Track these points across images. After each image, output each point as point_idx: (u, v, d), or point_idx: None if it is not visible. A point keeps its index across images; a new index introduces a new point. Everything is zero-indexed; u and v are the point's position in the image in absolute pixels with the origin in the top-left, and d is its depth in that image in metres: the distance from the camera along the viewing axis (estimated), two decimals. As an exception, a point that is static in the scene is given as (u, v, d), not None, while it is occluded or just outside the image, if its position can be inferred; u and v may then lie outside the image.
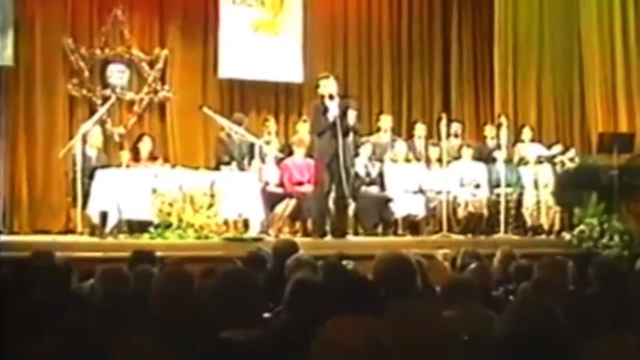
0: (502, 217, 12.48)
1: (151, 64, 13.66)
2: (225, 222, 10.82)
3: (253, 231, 10.89)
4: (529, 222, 12.83)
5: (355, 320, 2.90)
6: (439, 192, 12.54)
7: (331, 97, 10.94)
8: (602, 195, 12.36)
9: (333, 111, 10.86)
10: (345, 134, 10.85)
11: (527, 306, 3.68)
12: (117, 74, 13.46)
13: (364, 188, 12.40)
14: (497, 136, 13.27)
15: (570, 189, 12.75)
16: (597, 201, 12.23)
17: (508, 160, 13.01)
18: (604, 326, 3.72)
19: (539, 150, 13.34)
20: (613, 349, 3.11)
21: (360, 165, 12.39)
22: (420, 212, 12.64)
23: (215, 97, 13.95)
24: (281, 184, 12.03)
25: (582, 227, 11.89)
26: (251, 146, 11.88)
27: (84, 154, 11.24)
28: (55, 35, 13.07)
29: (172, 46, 13.82)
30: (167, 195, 10.50)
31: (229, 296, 3.85)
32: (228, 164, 11.83)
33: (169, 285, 4.45)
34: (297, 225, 12.21)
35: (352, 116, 11.35)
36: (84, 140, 11.44)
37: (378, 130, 13.54)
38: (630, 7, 14.06)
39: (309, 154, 11.98)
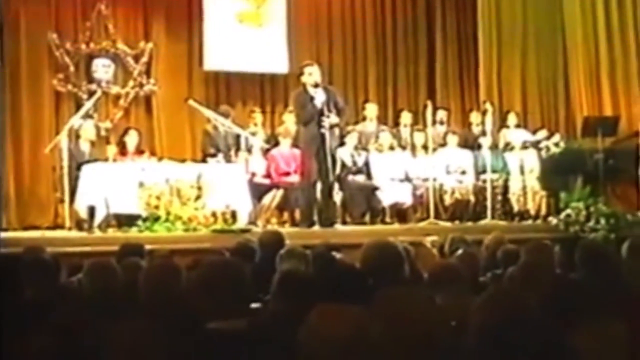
0: (488, 203, 12.49)
1: (136, 58, 13.67)
2: (213, 214, 10.79)
3: (241, 222, 10.86)
4: (516, 208, 12.82)
5: (341, 308, 2.92)
6: (425, 180, 12.51)
7: (316, 85, 10.91)
8: (587, 179, 12.42)
9: (319, 99, 10.83)
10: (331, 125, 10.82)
11: (499, 293, 3.66)
12: (103, 69, 13.48)
13: (350, 177, 12.37)
14: (483, 122, 13.26)
15: (556, 173, 12.80)
16: (582, 185, 12.28)
17: (493, 147, 13.03)
18: (589, 310, 3.74)
19: (524, 135, 13.35)
20: (598, 335, 3.14)
21: (347, 154, 12.37)
22: (407, 199, 12.64)
23: (201, 90, 13.97)
24: (268, 175, 12.03)
25: (568, 211, 11.88)
26: (237, 138, 11.89)
27: (77, 149, 11.29)
28: (40, 31, 13.07)
29: (156, 39, 13.83)
30: (155, 188, 10.49)
31: (215, 287, 3.86)
32: (214, 156, 11.83)
33: (156, 278, 4.47)
34: (285, 215, 12.26)
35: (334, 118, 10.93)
36: (77, 135, 11.51)
37: (364, 119, 13.53)
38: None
39: (295, 144, 11.97)
